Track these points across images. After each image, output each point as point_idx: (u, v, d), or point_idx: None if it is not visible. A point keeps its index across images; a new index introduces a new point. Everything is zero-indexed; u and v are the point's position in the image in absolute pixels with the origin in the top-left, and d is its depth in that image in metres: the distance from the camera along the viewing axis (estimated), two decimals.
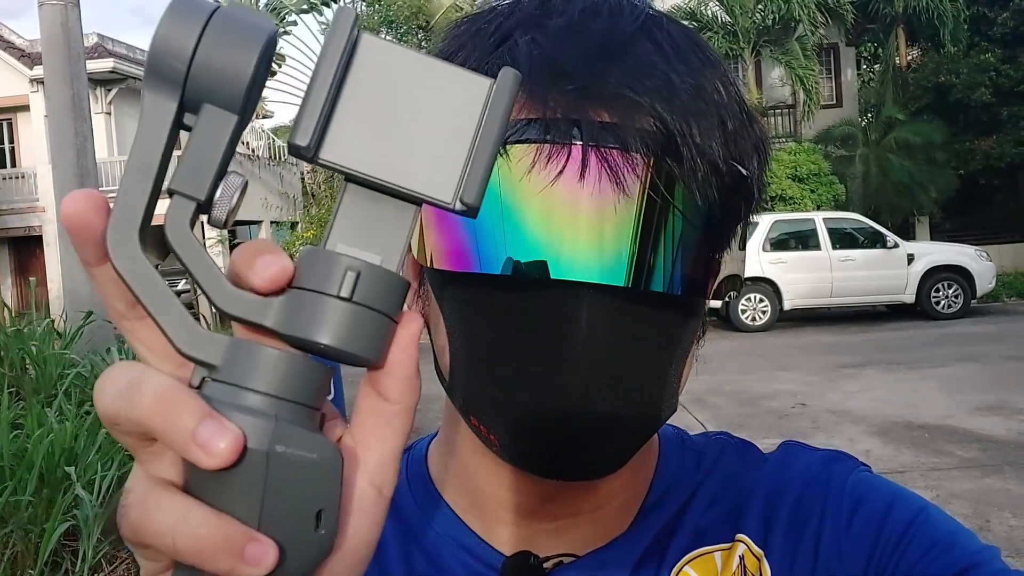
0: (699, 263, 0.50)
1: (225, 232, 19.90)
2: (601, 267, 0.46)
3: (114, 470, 4.03)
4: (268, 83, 21.82)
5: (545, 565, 0.56)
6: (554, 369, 0.48)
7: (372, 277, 0.30)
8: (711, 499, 0.59)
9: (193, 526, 0.27)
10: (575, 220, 0.46)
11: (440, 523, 0.59)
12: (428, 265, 0.52)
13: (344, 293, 0.30)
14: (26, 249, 21.75)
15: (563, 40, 0.49)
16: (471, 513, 0.59)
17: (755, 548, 0.57)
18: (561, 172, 0.46)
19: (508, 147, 0.47)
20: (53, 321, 6.30)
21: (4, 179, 21.34)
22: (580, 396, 0.48)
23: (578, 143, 0.46)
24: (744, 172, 0.50)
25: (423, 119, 0.31)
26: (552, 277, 0.46)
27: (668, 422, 0.58)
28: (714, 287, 0.52)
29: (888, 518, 0.55)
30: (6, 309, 6.46)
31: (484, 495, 0.57)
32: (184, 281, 19.29)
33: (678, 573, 0.56)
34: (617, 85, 0.47)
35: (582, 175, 0.46)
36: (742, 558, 0.56)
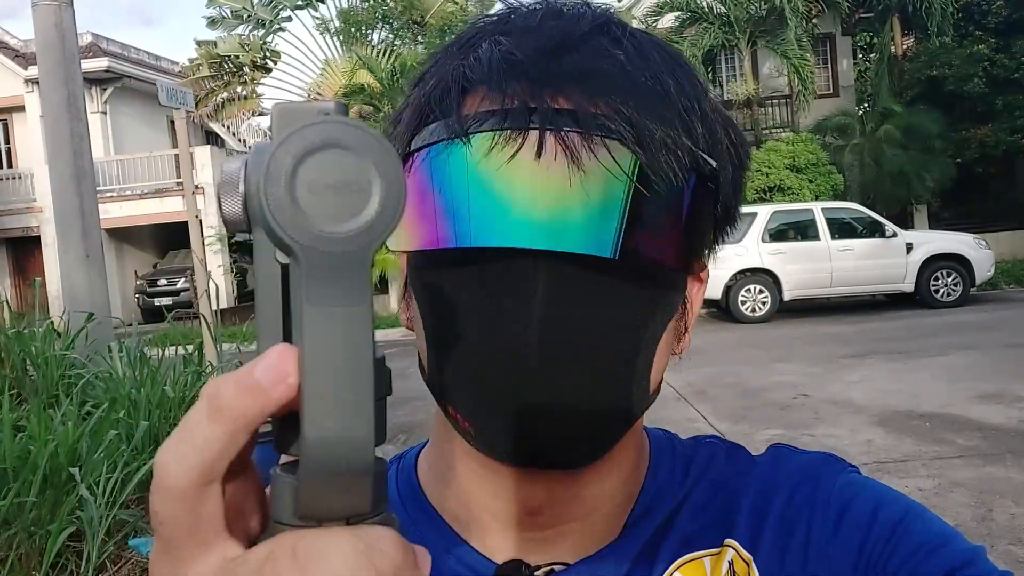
0: (663, 239, 0.50)
1: (224, 229, 19.88)
2: (556, 233, 0.47)
3: (118, 472, 4.03)
4: (263, 80, 21.78)
5: (536, 574, 0.56)
6: (513, 341, 0.49)
7: None
8: (700, 505, 0.59)
9: None
10: (529, 190, 0.48)
11: (430, 532, 0.59)
12: (402, 249, 0.54)
13: None
14: (24, 250, 21.75)
15: (521, 37, 0.52)
16: (461, 522, 0.59)
17: (744, 553, 0.57)
18: (517, 152, 0.48)
19: (470, 137, 0.49)
20: (53, 322, 6.30)
21: (1, 180, 21.32)
22: (541, 371, 0.48)
23: (535, 128, 0.48)
24: (710, 161, 0.52)
25: None
26: (505, 246, 0.48)
27: (664, 426, 0.59)
28: (686, 263, 0.53)
29: (876, 520, 0.55)
30: (6, 309, 6.45)
31: (474, 504, 0.57)
32: (183, 280, 19.29)
33: None
34: (573, 73, 0.49)
35: (538, 154, 0.48)
36: (731, 563, 0.56)
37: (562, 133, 0.48)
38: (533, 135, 0.48)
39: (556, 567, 0.56)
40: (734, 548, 0.57)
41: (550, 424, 0.49)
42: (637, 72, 0.50)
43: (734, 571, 0.56)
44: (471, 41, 0.54)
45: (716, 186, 0.53)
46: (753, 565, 0.56)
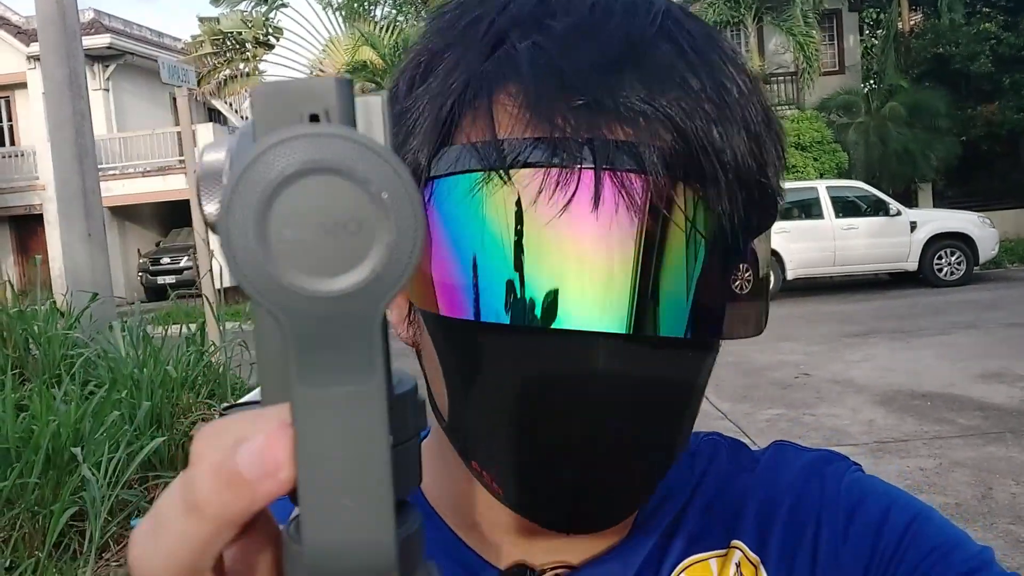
0: (723, 295, 0.46)
1: None
2: (618, 315, 0.42)
3: (121, 452, 4.05)
4: (266, 57, 21.66)
5: None
6: (567, 422, 0.45)
7: None
8: (706, 505, 0.58)
9: None
10: (587, 259, 0.41)
11: (432, 535, 0.57)
12: (419, 306, 0.48)
13: None
14: (27, 228, 21.76)
15: (571, 45, 0.43)
16: (464, 527, 0.57)
17: (751, 555, 0.56)
18: (570, 201, 0.41)
19: (511, 172, 0.42)
20: (55, 302, 6.31)
21: (3, 157, 21.30)
22: (591, 450, 0.45)
23: (590, 167, 0.41)
24: (769, 183, 0.47)
25: None
26: (563, 328, 0.42)
27: None
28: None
29: (886, 523, 0.54)
30: (9, 287, 6.46)
31: (477, 513, 0.56)
32: (186, 258, 19.29)
33: None
34: (634, 97, 0.42)
35: (595, 204, 0.41)
36: (738, 565, 0.56)
37: (620, 175, 0.41)
38: (586, 175, 0.41)
39: (560, 571, 0.55)
40: (741, 550, 0.56)
41: (593, 497, 0.47)
42: (701, 85, 0.43)
43: (741, 573, 0.55)
44: (499, 31, 0.46)
45: (772, 204, 0.48)
46: (762, 568, 0.55)
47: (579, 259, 0.42)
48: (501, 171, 0.42)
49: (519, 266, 0.42)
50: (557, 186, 0.41)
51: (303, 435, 0.22)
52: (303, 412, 0.22)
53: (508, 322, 0.43)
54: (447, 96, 0.45)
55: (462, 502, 0.56)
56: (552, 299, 0.42)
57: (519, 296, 0.43)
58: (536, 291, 0.42)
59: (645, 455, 0.48)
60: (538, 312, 0.42)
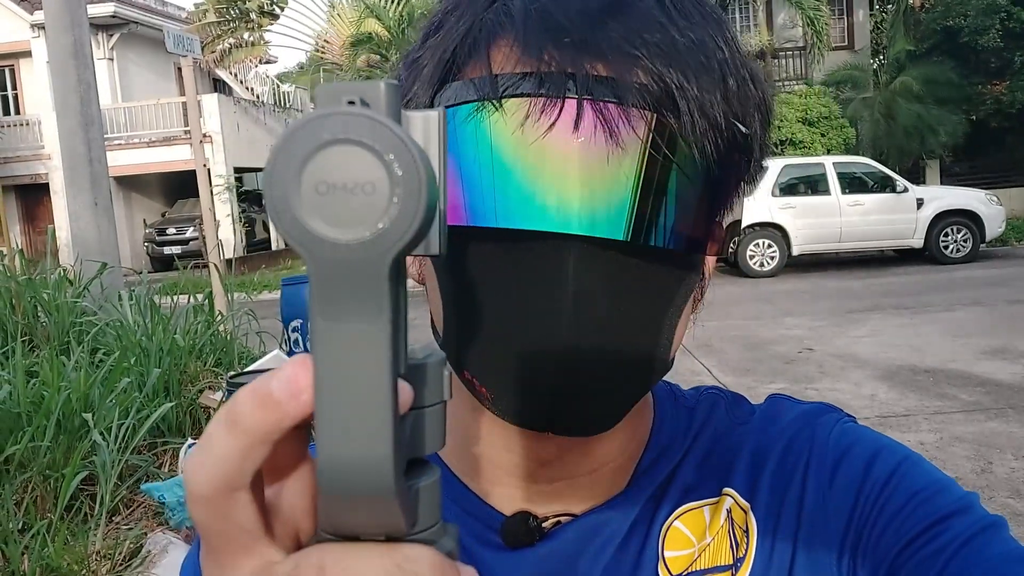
0: (697, 220, 0.49)
1: (232, 178, 19.84)
2: (593, 219, 0.46)
3: (131, 418, 4.10)
4: (271, 27, 21.48)
5: (544, 525, 0.57)
6: (543, 322, 0.48)
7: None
8: (702, 456, 0.60)
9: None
10: (567, 170, 0.46)
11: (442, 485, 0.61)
12: None
13: (448, 396, 0.30)
14: (34, 197, 21.76)
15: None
16: (470, 475, 0.59)
17: (742, 501, 0.58)
18: (554, 124, 0.46)
19: (502, 101, 0.47)
20: (65, 270, 6.33)
21: (8, 127, 21.25)
22: (570, 349, 0.48)
23: (573, 96, 0.46)
24: (744, 130, 0.50)
25: None
26: (541, 229, 0.46)
27: (668, 378, 0.59)
28: (717, 245, 0.52)
29: (871, 469, 0.56)
30: (20, 255, 6.49)
31: (482, 458, 0.58)
32: (192, 229, 19.30)
33: (668, 528, 0.57)
34: (615, 39, 0.47)
35: (576, 127, 0.46)
36: (729, 511, 0.57)
37: (600, 104, 0.45)
38: (570, 104, 0.46)
39: (563, 518, 0.57)
40: (732, 496, 0.58)
41: (572, 396, 0.49)
42: (681, 36, 0.48)
43: (732, 519, 0.57)
44: None
45: (748, 154, 0.52)
46: (751, 513, 0.57)
47: (556, 171, 0.46)
48: (493, 100, 0.47)
49: (503, 176, 0.47)
50: (542, 113, 0.46)
51: (319, 362, 0.26)
52: (320, 342, 0.26)
53: (493, 224, 0.47)
54: (450, 42, 0.50)
55: (466, 445, 0.58)
56: (529, 203, 0.46)
57: (501, 201, 0.47)
58: (516, 197, 0.47)
59: (623, 360, 0.50)
60: (517, 214, 0.47)
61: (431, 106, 0.50)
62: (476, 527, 0.58)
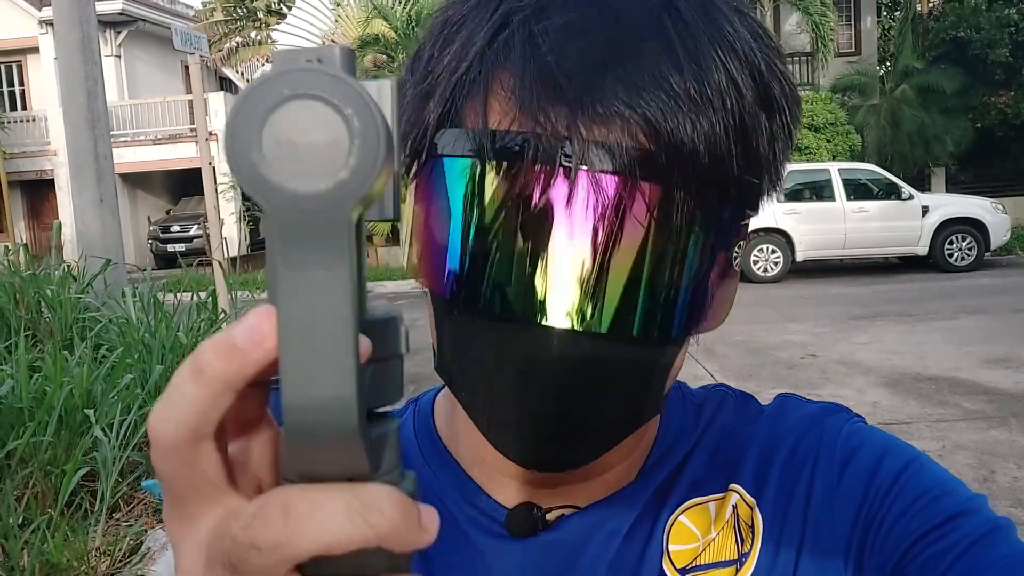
0: (696, 295, 0.49)
1: None
2: (579, 313, 0.45)
3: (132, 414, 4.10)
4: (278, 26, 21.52)
5: (547, 517, 0.57)
6: (527, 388, 0.49)
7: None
8: (709, 453, 0.60)
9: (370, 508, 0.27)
10: (550, 254, 0.45)
11: (445, 475, 0.61)
12: (411, 273, 0.52)
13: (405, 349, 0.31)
14: (39, 193, 21.80)
15: (562, 44, 0.45)
16: (475, 467, 0.60)
17: (748, 497, 0.58)
18: (545, 197, 0.45)
19: (495, 162, 0.46)
20: (69, 266, 6.35)
21: (15, 122, 21.30)
22: (554, 413, 0.49)
23: (567, 164, 0.44)
24: (751, 175, 0.49)
25: None
26: (523, 315, 0.46)
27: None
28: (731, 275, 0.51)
29: (880, 468, 0.56)
30: (24, 250, 6.50)
31: (487, 453, 0.58)
32: (196, 226, 19.32)
33: (673, 523, 0.57)
34: (614, 99, 0.44)
35: (569, 200, 0.44)
36: (735, 507, 0.57)
37: (596, 176, 0.44)
38: (562, 174, 0.44)
39: (567, 510, 0.58)
40: (738, 492, 0.58)
41: (556, 445, 0.51)
42: (690, 84, 0.45)
43: (738, 514, 0.57)
44: (505, 14, 0.48)
45: (759, 200, 0.51)
46: (756, 509, 0.57)
47: (541, 253, 0.45)
48: (486, 160, 0.46)
49: (484, 253, 0.46)
50: (532, 181, 0.45)
51: (283, 309, 0.27)
52: (284, 291, 0.26)
53: (468, 306, 0.48)
54: (453, 73, 0.49)
55: (469, 439, 0.59)
56: (508, 289, 0.46)
57: (479, 281, 0.47)
58: (495, 278, 0.46)
59: (609, 416, 0.51)
60: (495, 300, 0.46)
61: (433, 142, 0.49)
62: (480, 517, 0.58)
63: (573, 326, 0.46)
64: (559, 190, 0.45)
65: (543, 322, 0.46)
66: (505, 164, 0.45)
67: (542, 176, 0.45)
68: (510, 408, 0.50)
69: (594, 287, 0.45)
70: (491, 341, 0.49)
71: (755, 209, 0.51)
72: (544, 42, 0.45)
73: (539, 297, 0.46)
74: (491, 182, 0.46)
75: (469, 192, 0.47)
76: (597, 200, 0.44)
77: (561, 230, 0.45)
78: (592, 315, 0.45)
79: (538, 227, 0.45)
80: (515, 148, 0.45)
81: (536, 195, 0.45)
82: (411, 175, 0.52)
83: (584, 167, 0.44)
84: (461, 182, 0.47)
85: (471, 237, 0.47)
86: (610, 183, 0.44)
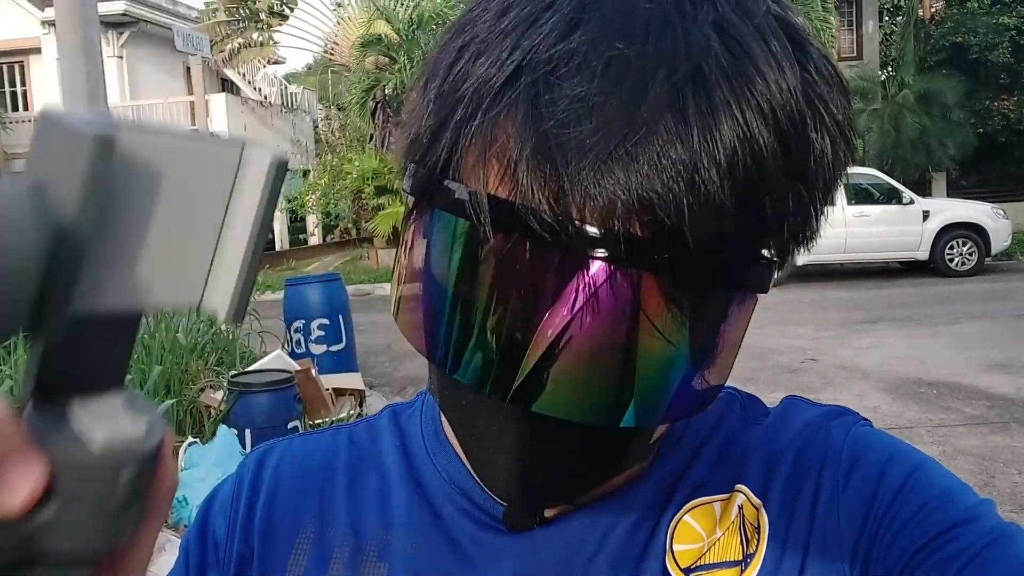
0: (684, 382, 0.48)
1: None
2: (545, 398, 0.45)
3: None
4: (280, 28, 21.55)
5: (546, 514, 0.57)
6: (499, 453, 0.50)
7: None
8: (715, 454, 0.60)
9: None
10: (532, 337, 0.44)
11: (446, 470, 0.61)
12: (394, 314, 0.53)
13: None
14: None
15: (568, 120, 0.42)
16: (474, 464, 0.59)
17: (754, 498, 0.57)
18: (531, 277, 0.43)
19: (482, 226, 0.44)
20: None
21: (16, 123, 21.32)
22: (531, 468, 0.50)
23: (556, 251, 0.42)
24: (766, 254, 0.48)
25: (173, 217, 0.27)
26: (500, 400, 0.46)
27: None
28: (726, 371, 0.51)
29: (886, 473, 0.55)
30: None
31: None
32: None
33: (678, 523, 0.57)
34: (614, 183, 0.41)
35: (553, 285, 0.43)
36: (741, 507, 0.57)
37: (586, 264, 0.42)
38: (550, 257, 0.43)
39: (567, 508, 0.57)
40: (744, 494, 0.57)
41: (539, 490, 0.52)
42: (697, 159, 0.41)
43: (743, 515, 0.57)
44: (516, 64, 0.44)
45: (766, 279, 0.49)
46: (763, 511, 0.56)
47: (518, 332, 0.44)
48: (474, 224, 0.44)
49: (466, 325, 0.46)
50: (519, 258, 0.43)
51: None
52: None
53: (447, 374, 0.47)
54: (456, 107, 0.46)
55: (472, 436, 0.59)
56: (479, 363, 0.46)
57: (452, 349, 0.47)
58: (468, 351, 0.46)
59: (584, 474, 0.52)
60: (470, 374, 0.46)
61: (434, 187, 0.47)
62: (477, 511, 0.58)
63: (545, 412, 0.45)
64: (545, 272, 0.43)
65: (517, 405, 0.46)
66: (492, 234, 0.43)
67: (529, 255, 0.43)
68: (488, 455, 0.51)
69: (571, 376, 0.44)
70: (468, 402, 0.50)
71: (765, 290, 0.49)
72: (549, 115, 0.42)
73: (515, 382, 0.45)
74: (473, 250, 0.45)
75: (453, 255, 0.46)
76: (581, 285, 0.43)
77: (544, 314, 0.43)
78: (570, 404, 0.45)
79: (520, 308, 0.44)
80: (504, 218, 0.43)
81: (521, 275, 0.43)
82: (411, 217, 0.51)
83: (569, 250, 0.42)
84: (447, 241, 0.46)
85: (448, 304, 0.46)
86: (597, 268, 0.42)
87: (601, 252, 0.42)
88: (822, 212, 0.49)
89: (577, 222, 0.42)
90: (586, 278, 0.43)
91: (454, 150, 0.46)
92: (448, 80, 0.48)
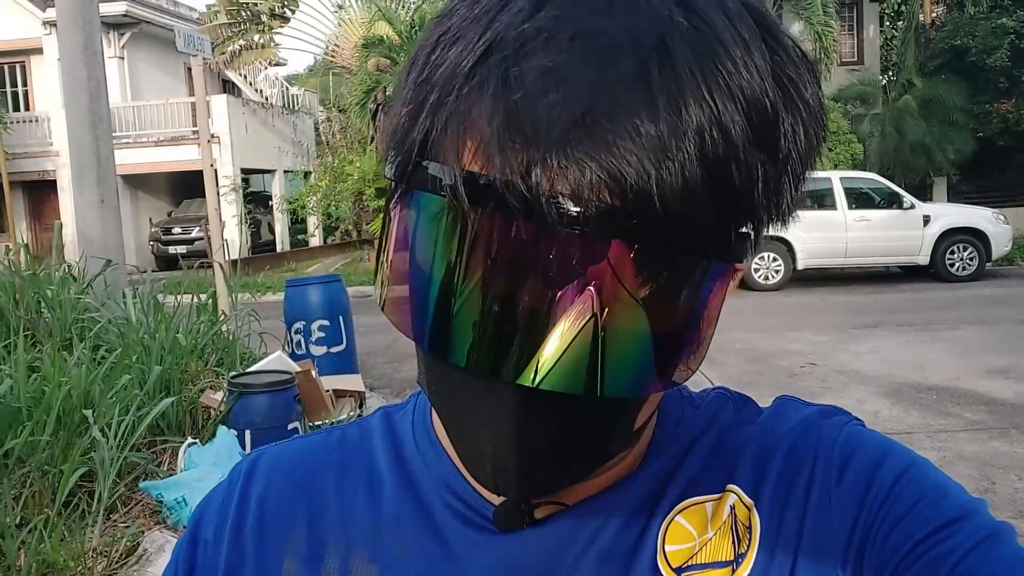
0: (660, 352, 0.47)
1: (238, 179, 19.88)
2: (523, 367, 0.45)
3: (131, 415, 4.09)
4: (281, 30, 21.56)
5: (537, 514, 0.57)
6: (481, 437, 0.50)
7: None
8: (706, 454, 0.60)
9: None
10: (506, 308, 0.44)
11: (437, 469, 0.61)
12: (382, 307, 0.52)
13: None
14: (40, 193, 21.82)
15: (537, 91, 0.43)
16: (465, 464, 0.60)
17: (745, 498, 0.57)
18: (505, 249, 0.44)
19: (455, 199, 0.44)
20: (70, 266, 6.35)
21: (18, 123, 21.32)
22: (516, 455, 0.49)
23: (524, 219, 0.43)
24: (741, 230, 0.48)
25: None
26: (469, 370, 0.46)
27: None
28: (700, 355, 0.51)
29: (878, 471, 0.55)
30: (25, 251, 6.50)
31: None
32: (197, 229, 19.34)
33: (670, 523, 0.57)
34: (582, 154, 0.42)
35: (527, 256, 0.43)
36: (732, 507, 0.57)
37: (556, 231, 0.42)
38: (520, 227, 0.43)
39: (556, 506, 0.57)
40: (736, 493, 0.57)
41: (525, 479, 0.51)
42: (662, 133, 0.42)
43: (735, 515, 0.57)
44: (488, 44, 0.45)
45: (741, 250, 0.49)
46: (754, 511, 0.56)
47: (498, 306, 0.45)
48: (451, 201, 0.45)
49: (444, 301, 0.46)
50: (493, 232, 0.44)
51: None
52: None
53: (425, 349, 0.48)
54: (431, 92, 0.47)
55: (462, 435, 0.59)
56: (462, 340, 0.46)
57: (435, 328, 0.47)
58: (451, 328, 0.46)
59: (570, 461, 0.51)
60: (449, 350, 0.46)
61: (411, 168, 0.48)
62: (466, 510, 0.58)
63: (528, 384, 0.45)
64: (520, 243, 0.43)
65: (500, 379, 0.45)
66: (468, 210, 0.44)
67: (503, 228, 0.43)
68: (475, 441, 0.50)
69: (549, 346, 0.44)
70: (454, 384, 0.50)
71: (740, 260, 0.49)
72: (518, 87, 0.43)
73: (494, 355, 0.45)
74: (452, 228, 0.45)
75: (431, 233, 0.47)
76: (554, 256, 0.43)
77: (518, 286, 0.44)
78: (551, 375, 0.45)
79: (497, 281, 0.44)
80: (479, 193, 0.43)
81: (497, 248, 0.44)
82: (393, 200, 0.51)
83: (542, 221, 0.42)
84: (425, 220, 0.47)
85: (428, 282, 0.47)
86: (569, 238, 0.43)
87: (572, 220, 0.42)
88: (796, 189, 0.51)
89: (548, 192, 0.42)
90: (558, 248, 0.43)
91: (430, 132, 0.47)
92: (426, 68, 0.49)
